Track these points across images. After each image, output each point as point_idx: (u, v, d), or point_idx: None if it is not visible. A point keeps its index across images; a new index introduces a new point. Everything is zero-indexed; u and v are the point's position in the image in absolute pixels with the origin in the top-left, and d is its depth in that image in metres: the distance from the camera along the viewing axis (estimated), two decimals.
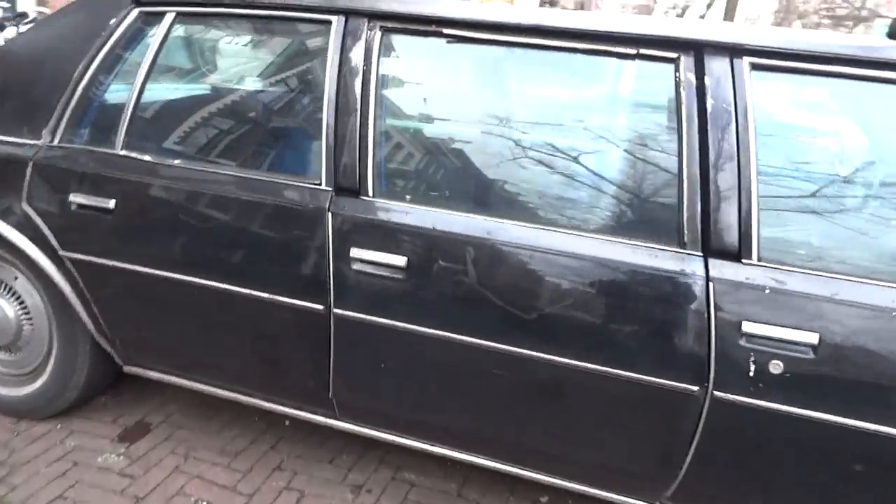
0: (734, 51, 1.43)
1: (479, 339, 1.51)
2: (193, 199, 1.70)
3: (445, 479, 1.99)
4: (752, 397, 1.36)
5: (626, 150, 1.56)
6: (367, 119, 1.60)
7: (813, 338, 1.31)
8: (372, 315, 1.58)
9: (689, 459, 1.45)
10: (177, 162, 1.75)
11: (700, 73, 1.45)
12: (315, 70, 1.76)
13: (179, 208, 1.70)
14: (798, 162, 1.46)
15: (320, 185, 1.62)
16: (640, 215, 1.52)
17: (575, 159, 1.58)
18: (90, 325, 1.90)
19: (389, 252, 1.54)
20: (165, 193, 1.72)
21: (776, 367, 1.33)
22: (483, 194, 1.64)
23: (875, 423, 1.29)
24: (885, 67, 1.36)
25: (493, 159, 1.63)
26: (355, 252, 1.56)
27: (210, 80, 2.01)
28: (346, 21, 1.65)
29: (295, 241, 1.62)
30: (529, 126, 1.64)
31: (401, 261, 1.53)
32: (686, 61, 1.46)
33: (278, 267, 1.64)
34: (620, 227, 1.51)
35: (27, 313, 2.02)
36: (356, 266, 1.56)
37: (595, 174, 1.55)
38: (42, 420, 2.11)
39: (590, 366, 1.44)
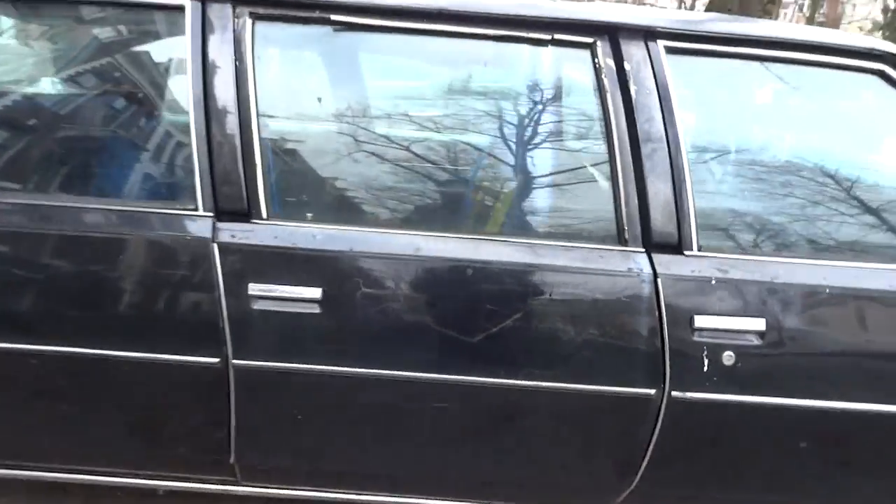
0: (648, 34, 1.37)
1: (417, 372, 1.32)
2: (21, 243, 1.29)
3: None
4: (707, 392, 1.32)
5: (553, 147, 1.44)
6: (248, 125, 1.32)
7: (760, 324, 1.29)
8: (282, 361, 1.31)
9: (644, 463, 1.39)
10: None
11: (619, 57, 1.36)
12: (171, 69, 1.43)
13: (3, 258, 1.29)
14: (725, 144, 1.44)
15: (197, 210, 1.31)
16: (579, 215, 1.42)
17: (500, 160, 1.43)
18: None
19: (299, 284, 1.28)
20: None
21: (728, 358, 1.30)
22: (404, 205, 1.43)
23: (824, 400, 1.31)
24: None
25: (406, 163, 1.43)
26: (254, 288, 1.28)
27: (28, 86, 1.55)
28: (203, 6, 1.33)
29: (173, 284, 1.30)
30: (443, 123, 1.46)
31: (314, 293, 1.28)
32: (603, 46, 1.37)
33: (152, 319, 1.30)
34: (559, 229, 1.40)
35: None
36: (257, 305, 1.28)
37: (524, 174, 1.42)
38: None
39: (542, 384, 1.32)
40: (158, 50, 1.48)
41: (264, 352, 1.31)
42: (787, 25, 1.51)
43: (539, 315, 1.31)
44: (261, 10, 1.34)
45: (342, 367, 1.31)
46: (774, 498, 1.44)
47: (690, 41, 1.38)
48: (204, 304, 1.28)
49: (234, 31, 1.34)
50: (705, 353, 1.30)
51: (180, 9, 1.34)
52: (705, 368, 1.31)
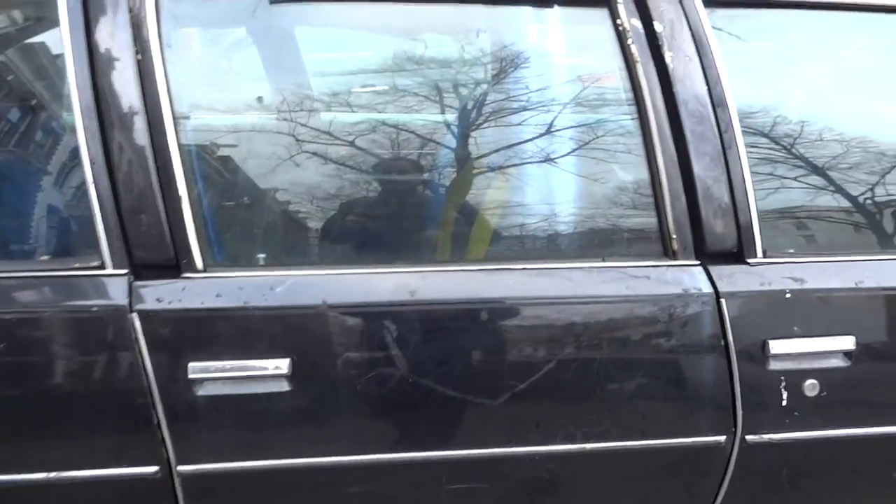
0: None
1: (426, 451, 1.01)
2: None
3: None
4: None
5: (570, 140, 1.12)
6: (162, 139, 0.95)
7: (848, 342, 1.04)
8: (244, 460, 0.98)
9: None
10: None
11: (646, 17, 1.06)
12: (45, 69, 1.04)
13: None
14: (789, 121, 1.15)
15: (103, 267, 0.94)
16: (612, 224, 1.11)
17: (504, 161, 1.10)
18: None
19: (257, 356, 0.94)
20: None
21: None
22: (391, 232, 1.09)
23: None
24: None
25: (388, 174, 1.09)
26: (195, 368, 0.93)
27: None
28: None
29: (81, 374, 0.94)
30: (427, 117, 1.11)
31: (280, 364, 0.94)
32: (626, 3, 1.06)
33: (61, 425, 0.94)
34: (590, 246, 1.09)
35: None
36: (202, 391, 0.94)
37: (539, 180, 1.10)
38: None
39: (587, 446, 1.03)
40: (25, 46, 1.08)
41: (218, 451, 0.97)
42: None
43: (576, 361, 1.01)
44: None
45: (323, 457, 0.99)
46: None
47: None
48: (130, 399, 0.93)
49: (129, 10, 0.96)
50: (783, 384, 1.04)
51: None
52: (784, 403, 1.05)
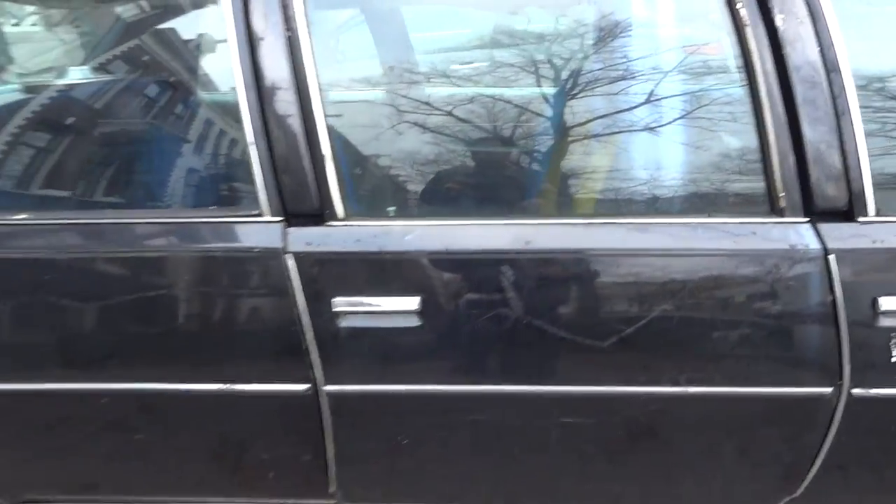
0: None
1: (536, 385, 1.11)
2: (57, 269, 1.12)
3: None
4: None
5: (679, 100, 1.17)
6: (308, 107, 1.09)
7: None
8: (381, 384, 1.12)
9: (813, 471, 1.17)
10: (22, 216, 1.15)
11: None
12: (208, 46, 1.21)
13: (41, 287, 1.12)
14: None
15: (261, 216, 1.10)
16: (719, 181, 1.15)
17: (612, 119, 1.18)
18: None
19: (391, 294, 1.08)
20: (13, 268, 1.13)
21: None
22: (506, 188, 1.20)
23: None
24: None
25: (514, 137, 1.19)
26: (339, 303, 1.08)
27: (37, 78, 1.35)
28: None
29: (245, 305, 1.12)
30: (549, 82, 1.20)
31: (411, 303, 1.07)
32: None
33: (228, 347, 1.13)
34: (696, 203, 1.14)
35: None
36: (345, 322, 1.09)
37: (645, 144, 1.17)
38: None
39: (690, 390, 1.10)
40: (190, 27, 1.26)
41: (359, 375, 1.12)
42: None
43: (680, 311, 1.07)
44: None
45: (448, 385, 1.12)
46: None
47: None
48: (284, 326, 1.09)
49: None
50: (893, 341, 1.06)
51: None
52: (893, 359, 1.06)
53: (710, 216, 1.09)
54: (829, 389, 1.08)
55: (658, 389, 1.09)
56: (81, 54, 1.42)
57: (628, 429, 1.14)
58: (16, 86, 1.32)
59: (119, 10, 1.36)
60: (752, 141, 1.10)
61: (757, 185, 1.09)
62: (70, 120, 1.29)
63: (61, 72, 1.37)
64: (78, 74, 1.34)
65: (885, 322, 1.05)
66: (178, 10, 1.37)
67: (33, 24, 1.42)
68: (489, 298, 1.07)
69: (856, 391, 1.08)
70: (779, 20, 1.07)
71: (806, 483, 1.18)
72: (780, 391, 1.09)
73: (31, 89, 1.32)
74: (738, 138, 1.13)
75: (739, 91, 1.10)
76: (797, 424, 1.13)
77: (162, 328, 1.12)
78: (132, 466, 1.29)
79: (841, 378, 1.08)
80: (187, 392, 1.14)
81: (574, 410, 1.12)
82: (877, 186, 1.06)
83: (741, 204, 1.12)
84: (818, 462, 1.15)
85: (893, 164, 1.12)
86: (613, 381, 1.10)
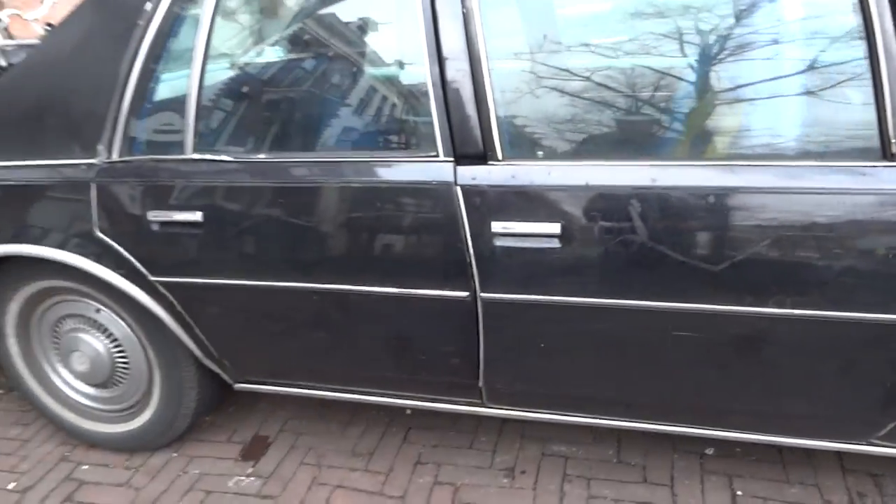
0: None
1: (656, 301, 1.33)
2: (290, 194, 1.49)
3: (598, 445, 1.85)
4: None
5: (795, 52, 1.32)
6: (479, 67, 1.37)
7: None
8: (526, 294, 1.40)
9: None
10: (262, 156, 1.54)
11: None
12: (405, 14, 1.51)
13: (277, 208, 1.50)
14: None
15: (437, 156, 1.40)
16: (834, 129, 1.29)
17: (731, 74, 1.35)
18: (195, 349, 1.73)
19: (538, 220, 1.34)
20: (259, 194, 1.51)
21: None
22: (635, 135, 1.42)
23: None
24: None
25: (642, 91, 1.40)
26: (496, 226, 1.36)
27: (282, 48, 1.75)
28: None
29: (422, 226, 1.42)
30: (679, 49, 1.39)
31: (553, 228, 1.33)
32: None
33: (407, 258, 1.45)
34: (811, 147, 1.29)
35: (118, 345, 1.85)
36: (500, 242, 1.37)
37: (763, 88, 1.32)
38: (154, 452, 1.98)
39: (797, 312, 1.26)
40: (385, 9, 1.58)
41: (508, 286, 1.40)
42: None
43: (787, 240, 1.24)
44: None
45: (580, 297, 1.36)
46: None
47: None
48: (453, 243, 1.39)
49: None
50: None
51: None
52: None
53: (825, 160, 1.24)
54: None
55: (764, 310, 1.27)
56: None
57: (735, 345, 1.33)
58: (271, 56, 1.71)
59: None
60: (865, 94, 1.22)
61: (871, 131, 1.22)
62: (302, 86, 1.67)
63: (299, 46, 1.72)
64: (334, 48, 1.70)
65: None
66: None
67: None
68: (619, 226, 1.30)
69: None
70: None
71: None
72: (883, 317, 1.23)
73: (268, 64, 1.72)
74: (852, 95, 1.26)
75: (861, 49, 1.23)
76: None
77: (364, 244, 1.46)
78: (328, 358, 1.66)
79: None
80: (376, 292, 1.48)
81: (687, 326, 1.33)
82: None
83: (852, 151, 1.25)
84: None
85: None
86: (724, 301, 1.29)
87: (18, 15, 6.39)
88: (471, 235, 1.38)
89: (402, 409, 2.05)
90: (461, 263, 1.40)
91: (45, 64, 1.73)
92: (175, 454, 1.97)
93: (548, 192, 1.34)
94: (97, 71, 1.63)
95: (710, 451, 1.80)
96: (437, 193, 1.39)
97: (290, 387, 1.81)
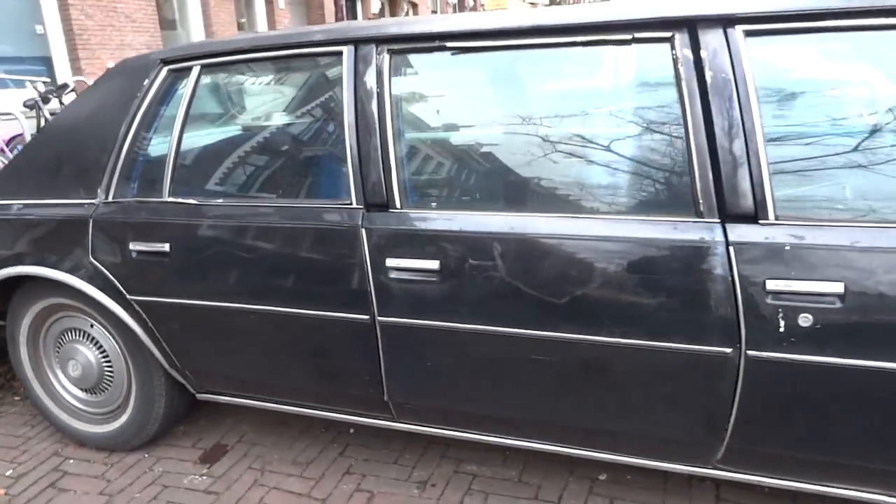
0: (727, 21, 1.48)
1: (516, 328, 1.59)
2: (240, 232, 1.84)
3: (505, 466, 2.08)
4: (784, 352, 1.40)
5: (635, 133, 1.61)
6: (385, 137, 1.71)
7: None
8: (412, 318, 1.68)
9: (732, 422, 1.50)
10: (220, 201, 1.90)
11: (696, 47, 1.49)
12: (334, 98, 1.88)
13: (228, 243, 1.85)
14: (804, 118, 1.49)
15: (351, 204, 1.74)
16: (656, 192, 1.58)
17: (585, 147, 1.65)
18: (163, 361, 2.07)
19: (421, 258, 1.64)
20: (214, 231, 1.87)
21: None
22: (502, 191, 1.73)
23: None
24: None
25: (509, 158, 1.72)
26: (390, 262, 1.67)
27: (240, 121, 2.15)
28: (355, 49, 1.76)
29: (336, 258, 1.74)
30: (542, 122, 1.71)
31: (433, 265, 1.63)
32: (681, 38, 1.51)
33: (324, 285, 1.76)
34: (639, 205, 1.57)
35: (105, 357, 2.21)
36: (392, 275, 1.67)
37: (609, 158, 1.62)
38: (130, 451, 2.29)
39: (624, 341, 1.51)
40: (326, 85, 1.95)
41: (399, 311, 1.69)
42: None
43: (619, 281, 1.50)
44: (395, 47, 1.73)
45: (455, 323, 1.64)
46: None
47: (773, 22, 1.46)
48: (358, 274, 1.70)
49: (376, 65, 1.74)
50: (780, 314, 1.39)
51: (339, 53, 1.78)
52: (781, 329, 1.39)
53: (647, 216, 1.51)
54: (729, 349, 1.44)
55: (600, 338, 1.52)
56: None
57: (583, 371, 1.57)
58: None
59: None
60: (685, 166, 1.50)
61: (687, 196, 1.49)
62: (247, 149, 2.06)
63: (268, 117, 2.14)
64: (284, 118, 2.11)
65: (772, 301, 1.39)
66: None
67: None
68: (484, 265, 1.59)
69: (751, 353, 1.42)
70: (708, 76, 1.48)
71: (729, 430, 1.51)
72: (689, 347, 1.46)
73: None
74: (676, 164, 1.54)
75: (679, 129, 1.51)
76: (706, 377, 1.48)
77: (290, 272, 1.79)
78: (269, 372, 1.97)
79: (739, 342, 1.43)
80: (300, 314, 1.79)
81: (543, 350, 1.58)
82: (778, 200, 1.42)
83: (676, 208, 1.52)
84: (734, 412, 1.48)
85: (795, 183, 1.45)
86: (569, 330, 1.55)
87: (84, 81, 7.21)
88: (371, 268, 1.69)
89: (347, 427, 2.32)
90: (364, 292, 1.71)
91: (66, 124, 2.17)
92: (146, 455, 2.28)
93: (429, 236, 1.64)
94: (103, 131, 2.05)
95: (602, 477, 1.99)
96: (348, 233, 1.72)
97: (243, 398, 2.11)
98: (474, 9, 23.58)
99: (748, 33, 1.47)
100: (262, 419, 2.41)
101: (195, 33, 10.71)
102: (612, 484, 1.96)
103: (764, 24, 1.46)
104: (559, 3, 37.85)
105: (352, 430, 2.32)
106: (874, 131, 1.45)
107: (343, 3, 14.44)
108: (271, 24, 12.62)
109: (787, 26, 1.45)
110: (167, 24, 10.27)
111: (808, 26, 1.44)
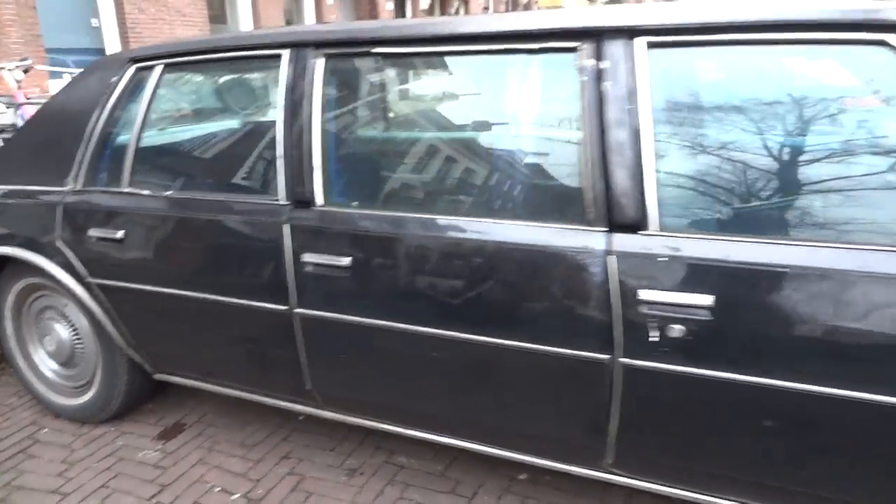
0: (631, 32, 1.49)
1: (414, 325, 1.65)
2: (180, 223, 1.96)
3: (434, 461, 2.13)
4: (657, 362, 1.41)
5: (537, 140, 1.65)
6: (312, 138, 1.79)
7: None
8: (326, 311, 1.76)
9: (614, 428, 1.52)
10: (169, 193, 2.03)
11: (599, 57, 1.51)
12: (272, 99, 1.97)
13: (170, 232, 1.97)
14: (696, 133, 1.49)
15: (278, 200, 1.83)
16: (553, 198, 1.60)
17: (489, 152, 1.69)
18: (120, 340, 2.21)
19: (334, 254, 1.72)
20: (159, 221, 1.99)
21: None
22: (412, 193, 1.79)
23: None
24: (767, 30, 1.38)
25: (421, 161, 1.77)
26: (305, 256, 1.76)
27: (193, 118, 2.28)
28: (293, 52, 1.85)
29: (262, 251, 1.83)
30: (454, 126, 1.77)
31: (345, 261, 1.70)
32: (585, 49, 1.53)
33: (251, 276, 1.86)
34: (536, 211, 1.60)
35: (77, 334, 2.37)
36: (309, 269, 1.76)
37: (510, 164, 1.66)
38: (99, 424, 2.46)
39: (511, 343, 1.55)
40: (266, 85, 2.05)
41: (315, 303, 1.77)
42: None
43: (507, 283, 1.54)
44: (330, 51, 1.81)
45: (361, 318, 1.71)
46: None
47: (672, 34, 1.47)
48: (278, 267, 1.79)
49: (311, 68, 1.82)
50: (653, 324, 1.40)
51: (278, 56, 1.87)
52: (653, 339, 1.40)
53: (542, 221, 1.54)
54: (606, 356, 1.46)
55: (488, 339, 1.56)
56: None
57: (480, 368, 1.62)
58: None
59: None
60: (578, 173, 1.52)
61: (579, 203, 1.51)
62: (196, 145, 2.18)
63: (201, 119, 2.26)
64: (232, 116, 2.23)
65: (647, 310, 1.40)
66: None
67: None
68: (388, 263, 1.65)
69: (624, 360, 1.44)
70: (607, 85, 1.50)
71: (613, 435, 1.53)
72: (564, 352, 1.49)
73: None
74: (572, 171, 1.56)
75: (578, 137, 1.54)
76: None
77: (218, 261, 1.89)
78: (209, 356, 2.08)
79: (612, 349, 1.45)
80: (229, 302, 1.89)
81: (438, 348, 1.64)
82: (663, 210, 1.43)
83: (566, 215, 1.54)
84: (614, 417, 1.50)
85: (680, 195, 1.45)
86: (459, 329, 1.59)
87: None
88: (292, 262, 1.78)
89: (296, 415, 2.43)
90: (284, 283, 1.80)
91: (47, 115, 2.34)
92: (112, 429, 2.44)
93: (344, 233, 1.72)
94: (76, 123, 2.20)
95: (522, 477, 2.03)
96: (273, 228, 1.81)
97: (194, 380, 2.24)
98: (528, 6, 23.42)
99: (651, 45, 1.48)
100: (223, 402, 2.54)
101: (244, 27, 11.08)
102: (529, 484, 1.99)
103: (667, 35, 1.47)
104: (620, 1, 37.26)
105: (301, 418, 2.42)
106: (763, 148, 1.44)
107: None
108: (319, 18, 12.92)
109: (689, 39, 1.46)
110: (217, 18, 10.67)
111: (710, 39, 1.44)
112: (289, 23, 12.29)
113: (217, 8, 10.77)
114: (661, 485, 1.61)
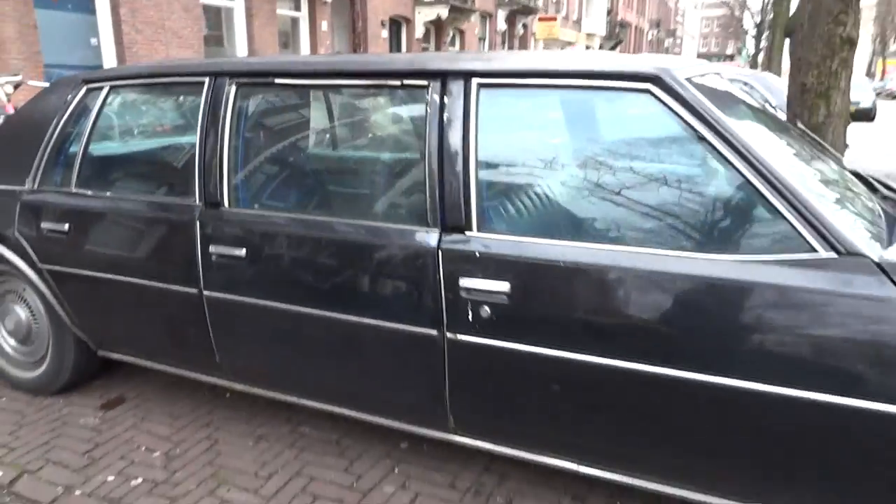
0: (468, 75, 1.87)
1: (291, 305, 2.02)
2: (113, 218, 2.33)
3: (331, 430, 2.48)
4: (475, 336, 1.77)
5: (397, 157, 2.02)
6: (223, 150, 2.16)
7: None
8: (227, 293, 2.12)
9: (448, 393, 1.87)
10: (108, 193, 2.40)
11: (443, 93, 1.89)
12: (194, 118, 2.34)
13: (105, 225, 2.34)
14: (509, 153, 1.88)
15: (195, 200, 2.20)
16: (406, 204, 1.98)
17: (358, 165, 2.07)
18: (67, 320, 2.57)
19: (231, 245, 2.09)
20: (96, 216, 2.37)
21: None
22: (298, 196, 2.17)
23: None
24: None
25: (312, 170, 2.16)
26: (211, 248, 2.12)
27: (131, 131, 2.68)
28: (213, 81, 2.23)
29: (178, 243, 2.20)
30: (338, 143, 2.15)
31: (241, 252, 2.07)
32: (434, 86, 1.91)
33: (169, 263, 2.22)
34: (393, 214, 1.98)
35: (33, 314, 2.73)
36: (214, 258, 2.12)
37: (373, 175, 2.03)
38: (50, 395, 2.80)
39: (366, 320, 1.90)
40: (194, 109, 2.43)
41: (217, 286, 2.13)
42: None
43: (353, 266, 1.90)
44: (241, 80, 2.19)
45: (257, 299, 2.07)
46: None
47: (498, 77, 1.85)
48: (187, 253, 2.16)
49: (225, 94, 2.20)
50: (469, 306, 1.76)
51: (202, 83, 2.26)
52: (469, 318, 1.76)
53: (394, 223, 1.91)
54: (435, 331, 1.81)
55: (345, 316, 1.92)
56: None
57: (339, 340, 1.97)
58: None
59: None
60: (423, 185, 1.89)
61: (422, 209, 1.88)
62: (134, 155, 2.56)
63: (141, 134, 2.65)
64: (173, 132, 2.61)
65: (466, 295, 1.76)
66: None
67: None
68: (277, 253, 2.02)
69: (450, 335, 1.79)
70: (445, 115, 1.87)
71: (448, 400, 1.87)
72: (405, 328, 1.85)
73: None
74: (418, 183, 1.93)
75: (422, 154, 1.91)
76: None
77: (139, 249, 2.26)
78: (138, 334, 2.44)
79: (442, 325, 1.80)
80: (148, 285, 2.25)
81: (311, 325, 1.99)
82: (482, 215, 1.80)
83: (411, 218, 1.91)
84: (447, 385, 1.85)
85: (497, 203, 1.82)
86: (319, 307, 1.96)
87: None
88: (201, 252, 2.14)
89: (224, 391, 2.77)
90: (196, 270, 2.16)
91: (16, 123, 2.73)
92: (61, 399, 2.79)
93: (243, 229, 2.08)
94: (36, 131, 2.59)
95: (404, 445, 2.37)
96: (188, 225, 2.17)
97: (129, 355, 2.59)
98: (524, 37, 24.07)
99: (481, 85, 1.86)
100: (162, 380, 2.88)
101: (240, 51, 11.57)
102: (408, 452, 2.33)
103: (494, 78, 1.85)
104: (618, 36, 37.82)
105: (228, 395, 2.77)
106: (539, 165, 1.83)
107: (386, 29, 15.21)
108: (313, 44, 13.44)
109: (510, 81, 1.84)
110: (213, 40, 11.17)
111: (526, 83, 1.82)
112: (284, 46, 12.81)
113: (214, 29, 11.27)
114: (495, 445, 1.94)
